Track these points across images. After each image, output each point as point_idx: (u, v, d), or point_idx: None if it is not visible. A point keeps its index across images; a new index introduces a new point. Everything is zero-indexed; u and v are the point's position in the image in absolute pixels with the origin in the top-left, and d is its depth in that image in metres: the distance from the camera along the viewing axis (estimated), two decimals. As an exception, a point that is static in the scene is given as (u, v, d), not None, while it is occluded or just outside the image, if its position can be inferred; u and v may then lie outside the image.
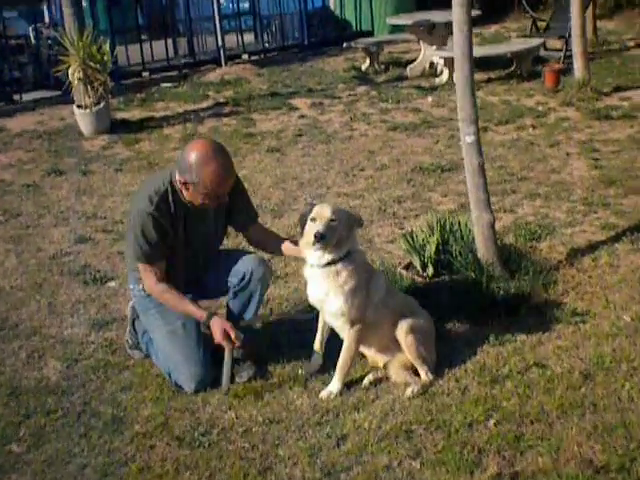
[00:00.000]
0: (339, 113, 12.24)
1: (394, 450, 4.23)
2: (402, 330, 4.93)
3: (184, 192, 4.78)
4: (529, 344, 5.26)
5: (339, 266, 4.62)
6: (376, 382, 4.95)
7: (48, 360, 5.44)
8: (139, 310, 5.21)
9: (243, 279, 5.06)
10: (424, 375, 4.88)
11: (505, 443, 4.22)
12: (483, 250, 6.21)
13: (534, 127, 10.93)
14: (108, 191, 9.16)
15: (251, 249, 5.57)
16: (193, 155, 4.53)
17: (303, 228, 4.75)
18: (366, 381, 4.95)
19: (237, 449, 4.35)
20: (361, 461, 4.19)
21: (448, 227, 6.59)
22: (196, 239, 5.00)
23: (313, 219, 4.54)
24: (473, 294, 6.01)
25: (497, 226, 6.43)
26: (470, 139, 6.13)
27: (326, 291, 4.77)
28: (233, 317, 5.16)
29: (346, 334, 4.84)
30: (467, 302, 5.91)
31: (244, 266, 5.08)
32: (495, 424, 4.40)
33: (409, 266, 6.46)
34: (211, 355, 5.05)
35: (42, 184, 9.60)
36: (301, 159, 10.15)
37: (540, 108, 11.82)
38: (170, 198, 4.81)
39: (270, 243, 5.36)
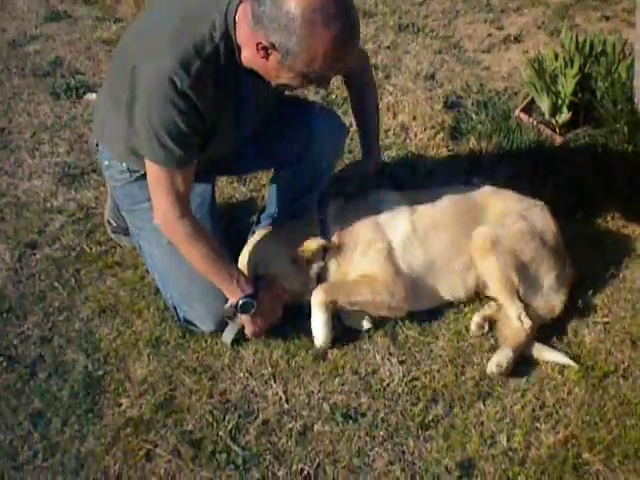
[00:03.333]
0: None
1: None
2: (477, 249, 3.14)
3: (256, 58, 2.58)
4: None
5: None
6: (491, 324, 3.13)
7: (-9, 241, 3.50)
8: (121, 203, 3.25)
9: (304, 150, 3.14)
10: (516, 321, 3.04)
11: None
12: (645, 95, 4.09)
13: None
14: None
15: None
16: (301, 4, 2.34)
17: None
18: (473, 326, 3.13)
19: None
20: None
21: (587, 50, 4.40)
22: (243, 119, 2.91)
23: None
24: (627, 164, 4.01)
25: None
26: None
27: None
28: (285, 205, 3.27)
29: None
30: (617, 176, 3.91)
31: (307, 129, 3.12)
32: None
33: (530, 108, 4.35)
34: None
35: None
36: None
37: None
38: (221, 60, 2.62)
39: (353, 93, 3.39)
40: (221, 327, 3.05)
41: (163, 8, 2.77)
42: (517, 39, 5.31)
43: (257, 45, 2.46)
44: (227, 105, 2.72)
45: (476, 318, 3.08)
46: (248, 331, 2.98)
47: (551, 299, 3.11)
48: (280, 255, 3.07)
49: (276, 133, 3.07)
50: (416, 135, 4.27)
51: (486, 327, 3.08)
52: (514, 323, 3.03)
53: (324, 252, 3.10)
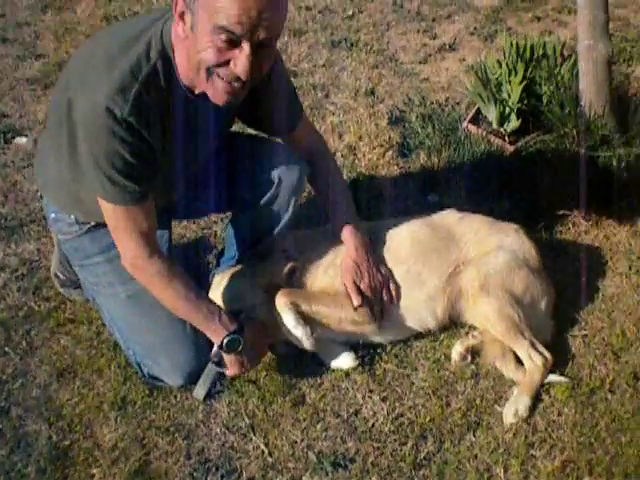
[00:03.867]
0: None
1: None
2: (467, 295, 3.00)
3: (180, 47, 2.37)
4: None
5: None
6: (474, 354, 3.02)
7: None
8: (72, 258, 3.05)
9: (264, 193, 2.91)
10: (528, 360, 2.92)
11: None
12: (590, 96, 4.06)
13: None
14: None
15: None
16: None
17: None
18: (454, 355, 3.00)
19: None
20: None
21: (528, 55, 4.37)
22: (193, 148, 2.73)
23: None
24: (578, 168, 3.96)
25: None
26: None
27: None
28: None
29: None
30: (571, 182, 3.86)
31: (266, 171, 2.90)
32: None
33: (477, 118, 4.29)
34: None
35: None
36: None
37: None
38: (161, 80, 2.43)
39: (318, 179, 3.10)
40: (190, 380, 2.89)
41: (101, 39, 2.60)
42: (452, 47, 5.27)
43: (178, 17, 2.26)
44: (174, 131, 2.52)
45: (458, 348, 2.97)
46: (232, 372, 2.80)
47: (546, 325, 3.02)
48: (253, 287, 2.92)
49: (234, 177, 2.90)
50: (364, 155, 4.16)
51: (469, 358, 2.97)
52: (526, 364, 2.90)
53: (292, 276, 2.95)
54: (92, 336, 3.14)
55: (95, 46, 2.50)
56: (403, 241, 3.08)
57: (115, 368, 2.99)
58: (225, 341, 2.67)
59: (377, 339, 3.02)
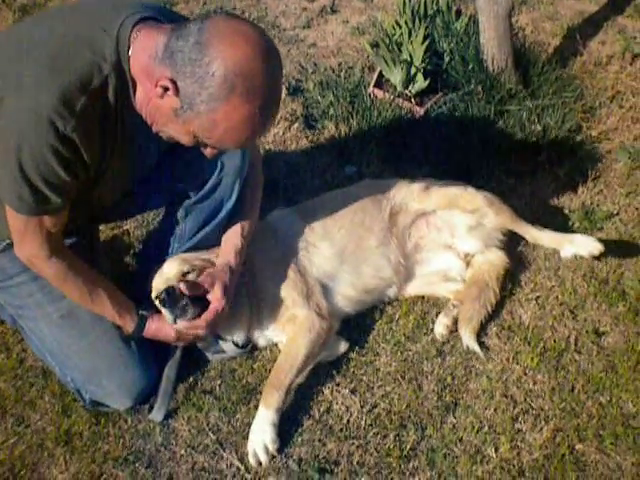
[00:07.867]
0: None
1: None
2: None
3: (149, 95, 2.11)
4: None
5: None
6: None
7: None
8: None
9: (204, 183, 2.66)
10: (537, 234, 3.15)
11: None
12: (493, 51, 4.04)
13: None
14: None
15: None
16: (227, 63, 1.94)
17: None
18: (440, 328, 2.89)
19: None
20: None
21: (422, 12, 4.27)
22: (137, 164, 2.45)
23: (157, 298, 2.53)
24: (484, 124, 3.91)
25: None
26: None
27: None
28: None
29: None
30: (480, 139, 3.80)
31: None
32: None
33: (380, 82, 4.14)
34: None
35: None
36: None
37: None
38: (110, 96, 2.15)
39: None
40: (139, 401, 2.61)
41: (38, 25, 2.26)
42: (333, 10, 5.07)
43: (157, 82, 2.01)
44: (117, 149, 2.24)
45: (445, 321, 2.87)
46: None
47: None
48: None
49: (172, 167, 2.60)
50: (269, 130, 3.91)
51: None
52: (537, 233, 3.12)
53: None
54: (14, 365, 2.79)
55: (35, 36, 2.17)
56: (337, 202, 3.08)
57: (49, 398, 2.68)
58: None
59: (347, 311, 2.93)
